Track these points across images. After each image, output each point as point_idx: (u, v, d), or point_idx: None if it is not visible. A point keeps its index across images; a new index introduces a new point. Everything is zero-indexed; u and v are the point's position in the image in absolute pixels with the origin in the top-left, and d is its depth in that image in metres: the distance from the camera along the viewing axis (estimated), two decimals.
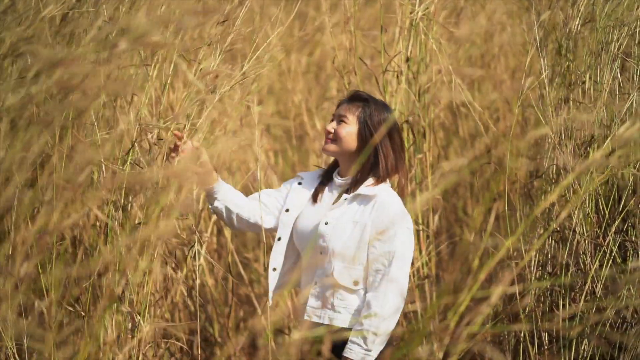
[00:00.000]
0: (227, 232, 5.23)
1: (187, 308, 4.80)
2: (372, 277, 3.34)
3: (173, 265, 4.49)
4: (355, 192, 3.41)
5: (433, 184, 4.61)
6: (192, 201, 3.94)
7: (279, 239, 3.50)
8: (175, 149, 3.42)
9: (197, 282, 4.43)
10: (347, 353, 3.30)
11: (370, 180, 3.43)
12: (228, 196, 3.52)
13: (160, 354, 4.40)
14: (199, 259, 4.48)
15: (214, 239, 5.23)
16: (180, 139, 3.41)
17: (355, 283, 3.37)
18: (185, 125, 3.54)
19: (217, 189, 3.50)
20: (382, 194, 3.40)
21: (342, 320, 3.38)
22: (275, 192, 3.60)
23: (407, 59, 4.46)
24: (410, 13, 4.41)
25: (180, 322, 4.73)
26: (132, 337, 3.60)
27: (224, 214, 3.53)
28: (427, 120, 4.64)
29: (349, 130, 3.43)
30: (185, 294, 4.71)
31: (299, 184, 3.57)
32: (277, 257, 3.50)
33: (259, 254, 5.54)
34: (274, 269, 3.49)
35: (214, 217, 4.81)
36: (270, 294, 3.51)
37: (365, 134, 3.43)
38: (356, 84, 4.64)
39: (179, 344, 4.46)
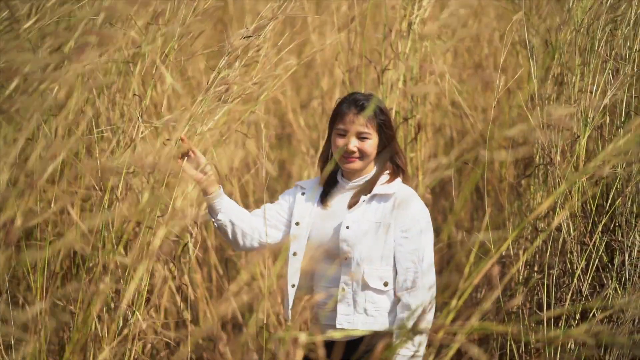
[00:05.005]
0: (211, 229, 5.23)
1: (176, 305, 4.79)
2: (403, 275, 3.32)
3: (165, 263, 4.48)
4: (373, 192, 3.37)
5: (422, 182, 4.65)
6: (187, 214, 3.91)
7: (295, 254, 3.41)
8: (183, 155, 3.36)
9: (186, 278, 4.42)
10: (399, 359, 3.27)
11: (385, 177, 3.41)
12: (232, 209, 3.43)
13: (147, 351, 4.39)
14: (192, 255, 4.47)
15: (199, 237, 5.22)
16: (185, 144, 3.36)
17: (385, 284, 3.34)
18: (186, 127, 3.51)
19: (219, 199, 3.41)
20: (400, 191, 3.37)
21: (380, 323, 3.35)
22: (276, 206, 3.52)
23: (407, 58, 4.48)
24: (410, 16, 4.44)
25: (166, 318, 4.72)
26: (125, 334, 3.59)
27: (229, 230, 3.43)
28: (418, 119, 4.67)
29: (372, 143, 3.37)
30: (175, 291, 4.70)
31: (303, 194, 3.48)
32: (295, 272, 3.41)
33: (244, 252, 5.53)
34: (293, 285, 3.40)
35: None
36: (289, 311, 3.41)
37: (384, 140, 3.39)
38: (345, 80, 4.68)
39: (166, 340, 4.45)
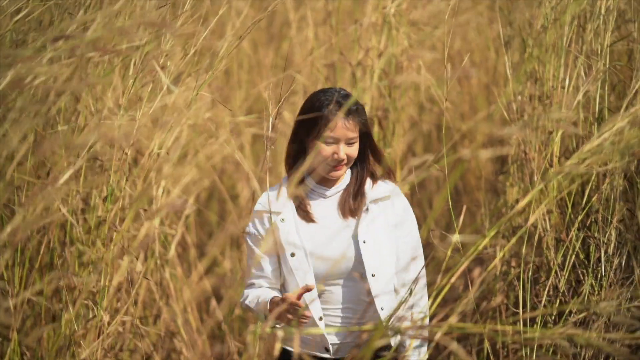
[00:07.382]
0: (192, 225, 5.23)
1: (155, 302, 4.78)
2: (405, 271, 3.17)
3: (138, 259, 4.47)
4: (372, 198, 3.16)
5: (401, 179, 4.64)
6: (184, 202, 3.85)
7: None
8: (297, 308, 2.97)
9: (167, 274, 4.42)
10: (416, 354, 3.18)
11: (369, 181, 3.21)
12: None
13: (125, 348, 4.38)
14: (171, 251, 4.47)
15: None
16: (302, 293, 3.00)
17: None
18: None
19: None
20: (393, 191, 3.20)
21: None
22: (268, 258, 3.20)
23: (380, 54, 4.47)
24: (383, 9, 4.42)
25: (145, 316, 4.71)
26: (99, 332, 3.58)
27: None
28: (395, 115, 4.67)
29: (356, 146, 3.14)
30: (154, 288, 4.68)
31: (282, 220, 3.14)
32: (317, 305, 3.12)
33: (227, 250, 5.52)
34: (321, 318, 3.13)
35: (185, 212, 4.82)
36: (330, 346, 3.15)
37: (364, 140, 3.18)
38: (324, 78, 4.66)
39: (146, 337, 4.45)
